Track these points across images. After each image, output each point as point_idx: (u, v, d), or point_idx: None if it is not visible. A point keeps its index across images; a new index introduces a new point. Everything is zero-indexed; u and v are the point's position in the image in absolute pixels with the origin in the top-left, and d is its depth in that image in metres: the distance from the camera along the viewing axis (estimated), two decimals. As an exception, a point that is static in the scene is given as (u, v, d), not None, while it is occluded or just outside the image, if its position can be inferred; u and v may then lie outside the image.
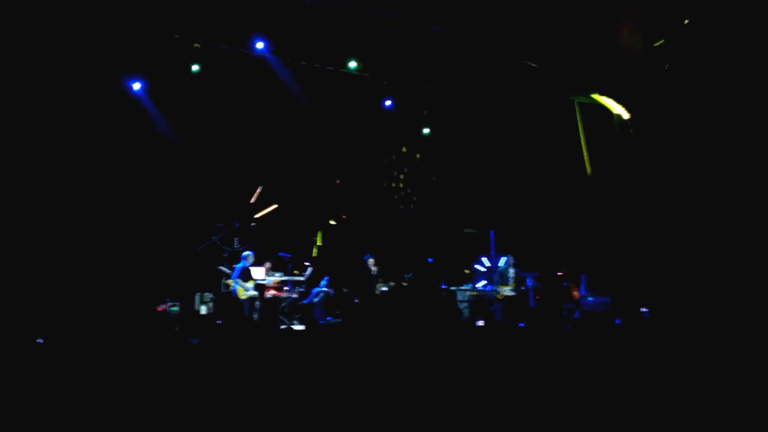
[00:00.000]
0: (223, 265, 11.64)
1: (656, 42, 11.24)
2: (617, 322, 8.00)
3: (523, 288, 12.30)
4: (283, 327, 10.74)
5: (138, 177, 11.64)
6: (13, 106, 9.76)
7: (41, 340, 6.47)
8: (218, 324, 9.80)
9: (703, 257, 10.01)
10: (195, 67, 11.85)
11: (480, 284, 12.87)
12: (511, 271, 12.02)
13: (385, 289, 12.66)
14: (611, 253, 12.13)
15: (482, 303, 12.10)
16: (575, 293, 12.11)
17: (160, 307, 10.58)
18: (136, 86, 11.50)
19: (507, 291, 11.89)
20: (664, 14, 10.89)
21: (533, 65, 12.54)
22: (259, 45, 12.26)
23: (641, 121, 11.95)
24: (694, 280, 9.89)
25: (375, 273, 12.20)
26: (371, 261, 12.23)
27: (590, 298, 11.71)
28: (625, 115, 12.34)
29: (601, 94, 12.62)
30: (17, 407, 4.45)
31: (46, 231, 9.86)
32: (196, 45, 11.84)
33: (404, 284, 12.49)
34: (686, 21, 10.77)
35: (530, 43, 12.02)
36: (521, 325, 7.87)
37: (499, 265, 12.45)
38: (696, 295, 9.52)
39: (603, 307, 11.20)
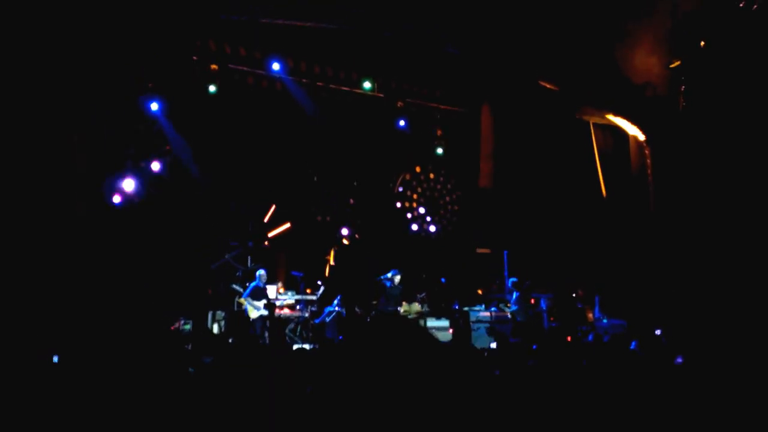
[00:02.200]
0: (236, 284, 11.67)
1: (672, 63, 11.22)
2: (633, 346, 7.86)
3: (537, 309, 12.12)
4: (296, 347, 10.73)
5: (153, 195, 11.76)
6: (32, 123, 9.92)
7: (56, 359, 6.53)
8: (229, 343, 9.80)
9: (719, 278, 9.86)
10: (212, 88, 12.05)
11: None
12: (512, 295, 11.77)
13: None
14: (626, 275, 11.98)
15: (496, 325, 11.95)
16: (590, 315, 11.94)
17: (173, 326, 10.61)
18: (154, 106, 11.69)
19: (508, 311, 11.68)
20: (680, 35, 10.88)
21: (548, 86, 12.55)
22: (275, 66, 12.44)
23: (657, 142, 11.88)
24: (710, 301, 9.73)
25: (399, 289, 11.78)
26: (398, 279, 11.67)
27: (605, 320, 11.53)
28: (641, 137, 12.28)
29: (617, 115, 12.58)
30: (29, 424, 4.47)
31: (61, 248, 9.96)
32: (214, 66, 12.06)
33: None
34: (703, 42, 10.74)
35: (545, 64, 12.04)
36: (533, 347, 7.76)
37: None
38: (711, 316, 9.35)
39: (618, 330, 11.01)
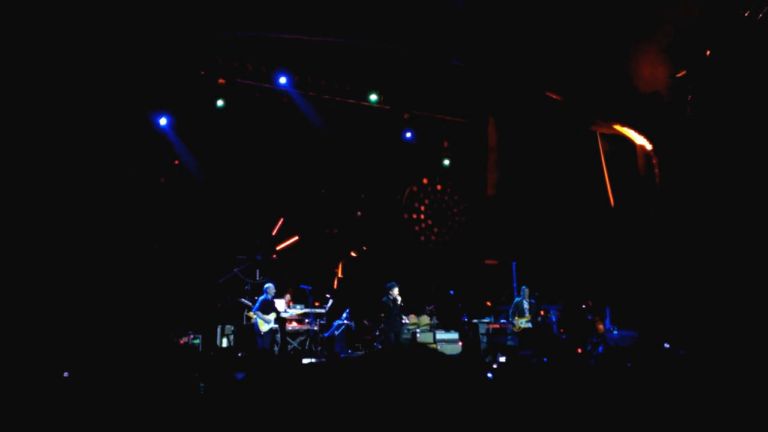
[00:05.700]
0: (245, 298, 11.67)
1: (679, 73, 11.21)
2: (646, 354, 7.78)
3: (547, 321, 12.03)
4: (305, 360, 10.69)
5: (162, 209, 11.82)
6: (43, 137, 10.02)
7: (66, 374, 6.53)
8: (239, 356, 9.78)
9: (729, 287, 9.79)
10: (220, 102, 12.14)
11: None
12: (526, 303, 11.68)
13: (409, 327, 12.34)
14: (637, 285, 11.90)
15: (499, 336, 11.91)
16: (600, 327, 11.84)
17: (183, 340, 10.62)
18: (163, 121, 11.78)
19: (523, 323, 11.57)
20: (686, 45, 10.87)
21: (556, 97, 12.55)
22: (282, 80, 12.52)
23: (664, 152, 11.84)
24: (720, 312, 9.64)
25: (400, 304, 11.61)
26: (395, 291, 11.35)
27: (615, 332, 11.43)
28: (648, 146, 12.24)
29: (624, 125, 12.56)
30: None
31: (70, 262, 10.01)
32: (221, 81, 12.15)
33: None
34: (708, 51, 10.73)
35: (552, 75, 12.05)
36: (545, 360, 7.70)
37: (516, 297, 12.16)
38: (723, 328, 9.26)
39: (629, 341, 10.91)
